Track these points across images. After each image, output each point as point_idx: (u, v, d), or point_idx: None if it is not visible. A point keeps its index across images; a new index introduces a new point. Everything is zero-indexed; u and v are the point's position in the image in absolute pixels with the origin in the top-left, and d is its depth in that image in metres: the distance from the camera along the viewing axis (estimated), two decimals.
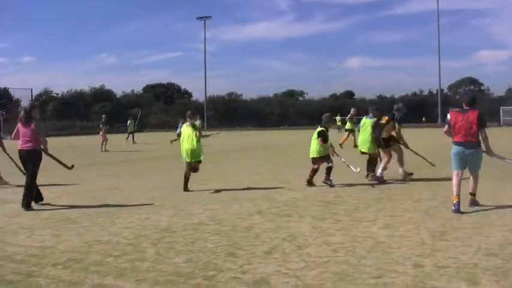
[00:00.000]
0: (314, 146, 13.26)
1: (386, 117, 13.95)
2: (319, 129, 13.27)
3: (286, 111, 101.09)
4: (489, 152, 9.96)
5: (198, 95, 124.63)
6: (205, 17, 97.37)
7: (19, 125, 10.91)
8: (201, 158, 13.01)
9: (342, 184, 12.91)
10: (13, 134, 11.16)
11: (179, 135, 16.99)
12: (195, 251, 6.96)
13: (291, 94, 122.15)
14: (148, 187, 13.65)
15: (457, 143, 9.78)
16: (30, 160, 10.76)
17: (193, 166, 12.98)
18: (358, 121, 15.92)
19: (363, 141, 14.01)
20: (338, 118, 52.24)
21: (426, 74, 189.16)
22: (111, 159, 24.57)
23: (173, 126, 48.90)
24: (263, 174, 16.14)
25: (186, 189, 12.62)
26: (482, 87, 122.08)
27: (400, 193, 11.64)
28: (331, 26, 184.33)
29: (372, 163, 13.96)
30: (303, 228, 8.21)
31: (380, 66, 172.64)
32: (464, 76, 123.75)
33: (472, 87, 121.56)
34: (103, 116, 35.08)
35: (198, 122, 18.62)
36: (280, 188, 12.94)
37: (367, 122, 14.06)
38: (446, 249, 6.76)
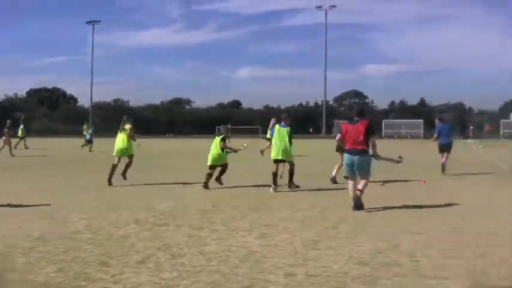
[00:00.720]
0: (215, 153, 13.98)
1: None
2: (221, 136, 14.39)
3: (173, 119, 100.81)
4: (377, 156, 11.06)
5: (84, 101, 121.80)
6: (94, 21, 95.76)
7: None
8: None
9: (230, 186, 12.98)
10: None
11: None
12: (67, 260, 6.79)
13: (178, 102, 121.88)
14: (30, 194, 13.23)
15: (346, 151, 10.95)
16: None
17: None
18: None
19: (282, 149, 13.86)
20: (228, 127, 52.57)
21: (314, 86, 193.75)
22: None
23: (57, 132, 46.99)
24: (142, 180, 15.97)
25: None
26: (367, 100, 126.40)
27: (278, 202, 11.84)
28: (223, 35, 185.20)
29: (292, 172, 14.08)
30: (179, 237, 8.18)
31: (269, 76, 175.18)
32: (350, 89, 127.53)
33: (356, 99, 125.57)
34: (8, 121, 33.26)
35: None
36: (159, 196, 12.87)
37: (282, 131, 14.05)
38: (319, 258, 6.91)
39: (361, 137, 10.65)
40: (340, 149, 14.56)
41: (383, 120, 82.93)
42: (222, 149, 14.35)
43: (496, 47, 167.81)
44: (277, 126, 14.35)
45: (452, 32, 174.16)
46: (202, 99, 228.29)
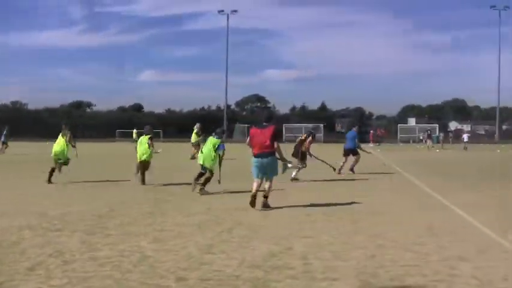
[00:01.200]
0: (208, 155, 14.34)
1: (305, 135, 18.56)
2: (148, 136, 17.09)
3: (73, 122, 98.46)
4: (282, 159, 12.09)
5: None
6: None
7: None
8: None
9: (126, 191, 12.90)
10: None
11: None
12: None
13: (78, 105, 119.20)
14: None
15: (255, 155, 11.57)
16: None
17: None
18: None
19: (206, 157, 14.40)
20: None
21: (216, 90, 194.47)
22: None
23: None
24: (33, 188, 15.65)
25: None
26: (269, 105, 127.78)
27: (174, 207, 11.88)
28: (124, 38, 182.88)
29: (208, 179, 14.30)
30: (72, 243, 8.09)
31: (170, 80, 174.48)
32: (251, 93, 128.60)
33: (258, 104, 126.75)
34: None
35: None
36: (53, 202, 12.65)
37: (212, 141, 14.57)
38: (212, 262, 6.97)
39: (268, 142, 11.36)
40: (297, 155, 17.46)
41: (284, 125, 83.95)
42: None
43: (394, 53, 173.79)
44: (210, 137, 14.97)
45: (351, 38, 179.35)
46: (104, 103, 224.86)
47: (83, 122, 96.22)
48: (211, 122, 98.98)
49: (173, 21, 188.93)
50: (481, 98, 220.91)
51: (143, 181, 16.32)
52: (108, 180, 17.69)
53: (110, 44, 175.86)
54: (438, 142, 60.72)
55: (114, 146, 42.75)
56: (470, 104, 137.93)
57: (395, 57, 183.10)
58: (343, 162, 20.88)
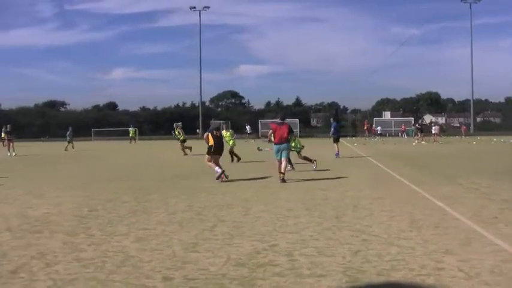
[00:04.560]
0: None
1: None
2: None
3: (47, 122, 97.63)
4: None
5: None
6: None
7: None
8: None
9: (106, 190, 12.80)
10: None
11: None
12: None
13: (52, 105, 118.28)
14: None
15: (276, 144, 16.72)
16: None
17: None
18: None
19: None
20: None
21: (190, 87, 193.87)
22: None
23: None
24: (18, 188, 15.46)
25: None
26: (243, 101, 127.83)
27: (156, 205, 11.78)
28: (95, 35, 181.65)
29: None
30: (54, 244, 7.97)
31: (143, 77, 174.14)
32: (226, 89, 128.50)
33: (233, 100, 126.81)
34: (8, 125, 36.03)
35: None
36: (33, 202, 12.50)
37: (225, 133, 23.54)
38: (197, 261, 6.91)
39: (286, 135, 16.65)
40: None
41: (259, 120, 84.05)
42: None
43: (366, 47, 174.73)
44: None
45: (323, 33, 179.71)
46: (77, 102, 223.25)
47: (58, 122, 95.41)
48: (187, 119, 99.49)
49: (145, 18, 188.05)
50: (455, 91, 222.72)
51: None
52: (91, 179, 17.51)
53: (82, 42, 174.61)
54: (413, 135, 61.21)
55: (91, 144, 42.52)
56: (444, 97, 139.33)
57: (368, 51, 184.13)
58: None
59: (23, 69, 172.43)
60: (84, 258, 7.16)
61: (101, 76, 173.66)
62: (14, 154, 33.41)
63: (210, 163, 17.15)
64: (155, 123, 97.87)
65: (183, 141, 32.24)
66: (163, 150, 31.85)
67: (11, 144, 34.41)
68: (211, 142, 17.11)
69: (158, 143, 62.50)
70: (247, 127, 71.25)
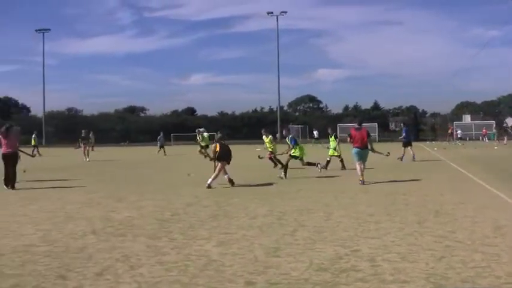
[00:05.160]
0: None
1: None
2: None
3: (127, 127, 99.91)
4: (373, 150, 17.87)
5: (37, 110, 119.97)
6: (44, 29, 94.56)
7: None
8: None
9: (187, 194, 12.93)
10: None
11: None
12: (24, 274, 6.66)
13: (132, 110, 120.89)
14: None
15: (356, 147, 17.19)
16: None
17: None
18: None
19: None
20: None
21: (266, 91, 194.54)
22: None
23: None
24: (99, 192, 15.81)
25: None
26: (321, 105, 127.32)
27: (236, 209, 11.82)
28: (174, 42, 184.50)
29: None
30: (137, 247, 8.10)
31: (221, 82, 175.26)
32: (303, 94, 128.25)
33: (311, 104, 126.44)
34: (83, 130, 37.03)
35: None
36: (116, 206, 12.74)
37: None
38: (279, 266, 6.87)
39: (365, 139, 17.23)
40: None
41: (338, 125, 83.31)
42: None
43: (445, 50, 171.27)
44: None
45: (401, 36, 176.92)
46: (156, 107, 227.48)
47: (138, 127, 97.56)
48: (264, 124, 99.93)
49: (222, 24, 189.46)
50: None
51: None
52: (171, 184, 17.78)
53: (160, 48, 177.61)
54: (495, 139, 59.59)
55: (171, 149, 43.32)
56: None
57: (447, 54, 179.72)
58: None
59: (103, 75, 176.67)
60: (167, 261, 7.22)
61: (179, 82, 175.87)
62: (87, 160, 34.17)
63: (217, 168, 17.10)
64: (233, 128, 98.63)
65: (204, 147, 33.96)
66: (240, 155, 31.99)
67: (86, 149, 35.26)
68: (217, 149, 17.12)
69: (237, 148, 62.72)
70: (315, 132, 70.59)
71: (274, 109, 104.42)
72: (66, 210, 12.17)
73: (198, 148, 35.25)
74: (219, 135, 17.86)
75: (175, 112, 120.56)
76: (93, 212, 11.87)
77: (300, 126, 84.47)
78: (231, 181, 16.91)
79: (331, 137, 24.82)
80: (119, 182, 19.52)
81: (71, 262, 7.24)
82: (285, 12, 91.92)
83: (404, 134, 30.31)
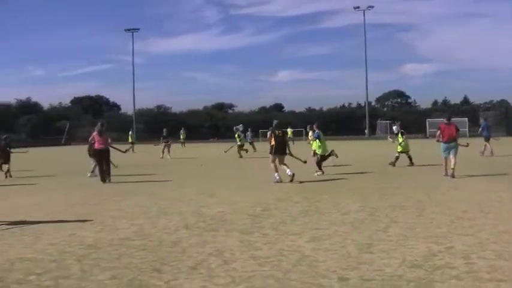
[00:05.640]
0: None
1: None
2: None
3: (215, 124, 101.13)
4: (461, 144, 17.91)
5: (127, 108, 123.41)
6: (133, 29, 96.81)
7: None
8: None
9: (275, 190, 12.96)
10: None
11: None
12: (120, 267, 6.82)
13: (220, 107, 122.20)
14: (73, 202, 13.39)
15: (445, 142, 17.34)
16: None
17: None
18: None
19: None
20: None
21: (354, 87, 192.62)
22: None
23: None
24: (190, 188, 16.06)
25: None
26: (409, 100, 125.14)
27: (327, 205, 11.74)
28: (260, 38, 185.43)
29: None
30: (230, 242, 8.15)
31: (308, 79, 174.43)
32: (391, 89, 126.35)
33: (399, 99, 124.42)
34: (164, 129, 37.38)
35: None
36: (207, 201, 12.90)
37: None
38: (372, 262, 6.79)
39: (454, 134, 17.40)
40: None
41: (427, 120, 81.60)
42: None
43: None
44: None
45: (491, 29, 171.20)
46: (243, 104, 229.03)
47: (226, 124, 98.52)
48: (352, 119, 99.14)
49: (308, 20, 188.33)
50: None
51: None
52: (262, 180, 17.92)
53: (247, 45, 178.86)
54: None
55: (259, 145, 43.58)
56: None
57: None
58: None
59: (191, 73, 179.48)
60: (260, 256, 7.23)
61: (266, 78, 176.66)
62: (168, 157, 34.32)
63: (273, 164, 16.97)
64: (322, 123, 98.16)
65: (240, 146, 34.15)
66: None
67: (168, 147, 35.52)
68: (273, 142, 16.92)
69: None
70: (394, 127, 69.40)
71: (362, 104, 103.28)
72: (159, 205, 12.41)
73: (236, 148, 34.76)
74: (274, 124, 17.55)
75: (263, 108, 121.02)
76: (185, 207, 12.04)
77: (388, 121, 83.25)
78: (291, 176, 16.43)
79: (398, 134, 24.24)
80: (209, 178, 19.74)
81: (166, 256, 7.36)
82: (372, 6, 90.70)
83: (482, 129, 29.85)
